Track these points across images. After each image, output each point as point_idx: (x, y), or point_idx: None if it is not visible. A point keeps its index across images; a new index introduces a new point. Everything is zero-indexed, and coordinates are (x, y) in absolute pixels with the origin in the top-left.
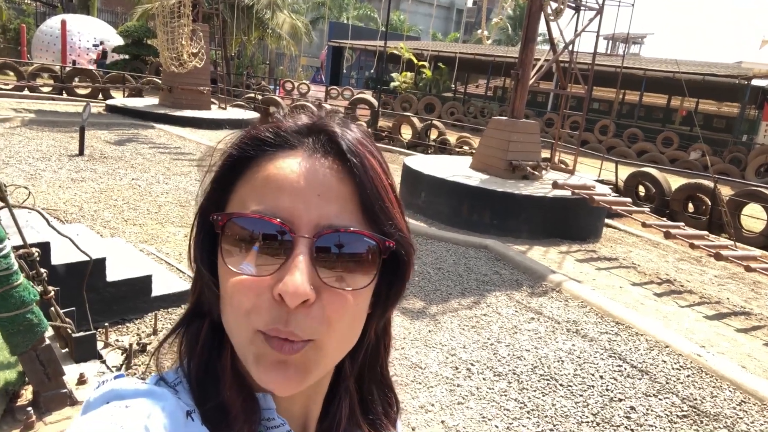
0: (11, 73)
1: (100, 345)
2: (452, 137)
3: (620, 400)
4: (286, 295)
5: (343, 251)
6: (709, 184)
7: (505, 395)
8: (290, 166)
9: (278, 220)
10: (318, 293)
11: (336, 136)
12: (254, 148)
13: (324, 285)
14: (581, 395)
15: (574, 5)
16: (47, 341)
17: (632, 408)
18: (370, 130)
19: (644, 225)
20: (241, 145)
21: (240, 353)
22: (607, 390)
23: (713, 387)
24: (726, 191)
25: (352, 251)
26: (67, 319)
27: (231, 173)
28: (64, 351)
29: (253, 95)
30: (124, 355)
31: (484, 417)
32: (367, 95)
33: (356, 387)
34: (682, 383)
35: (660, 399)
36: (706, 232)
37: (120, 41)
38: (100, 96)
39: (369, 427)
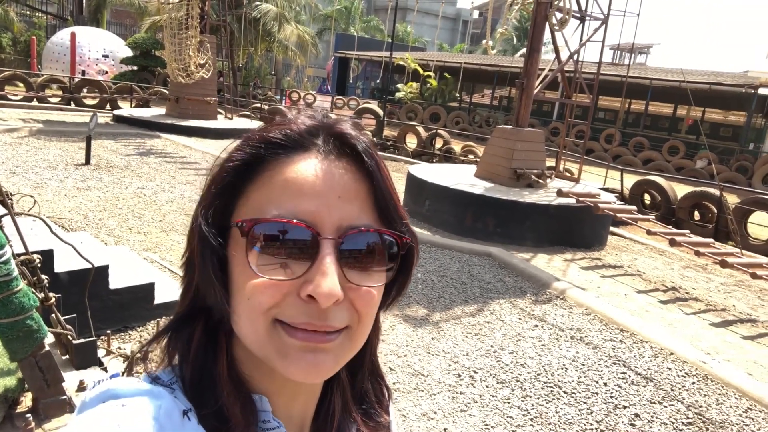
0: (21, 84)
1: (102, 352)
2: (457, 146)
3: (624, 407)
4: (320, 297)
5: (366, 250)
6: (715, 192)
7: (509, 403)
8: (308, 168)
9: (304, 223)
10: (345, 291)
11: (349, 137)
12: (266, 151)
13: (350, 284)
14: (585, 402)
15: (579, 15)
16: (47, 348)
17: (637, 415)
18: (375, 139)
19: (649, 233)
20: (253, 148)
21: (258, 350)
22: (611, 397)
23: (719, 394)
24: (732, 199)
25: (373, 250)
26: (68, 326)
27: (242, 176)
28: (64, 358)
29: (259, 105)
30: (126, 362)
31: (487, 424)
32: (373, 105)
33: (349, 378)
34: (687, 390)
35: (665, 406)
36: (711, 240)
37: (129, 52)
38: (108, 106)
39: (363, 416)
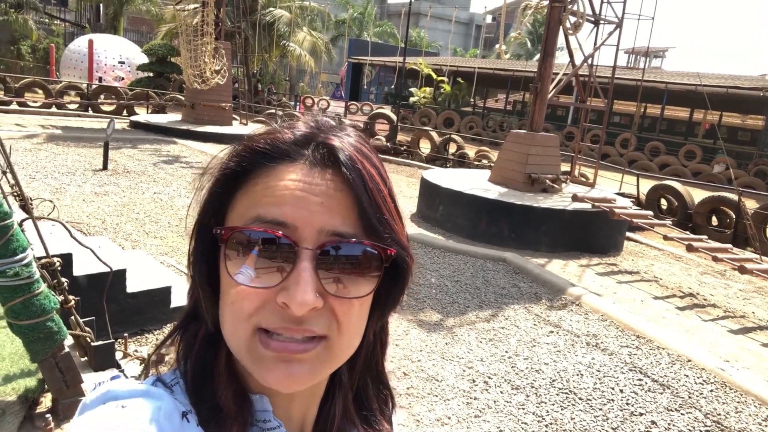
0: (40, 91)
1: (119, 355)
2: (471, 151)
3: (641, 414)
4: (292, 305)
5: (346, 261)
6: (734, 197)
7: (523, 409)
8: (290, 178)
9: (281, 232)
10: (324, 299)
11: (335, 148)
12: (252, 162)
13: (328, 294)
14: (601, 409)
15: (593, 19)
16: (66, 349)
17: (653, 423)
18: (388, 144)
19: (666, 238)
20: (240, 159)
21: (238, 356)
22: (627, 404)
23: (738, 402)
24: (751, 204)
25: (354, 260)
26: (87, 328)
27: (230, 186)
28: (83, 360)
29: (273, 111)
30: (143, 365)
31: (501, 430)
32: (386, 110)
33: (351, 383)
34: (705, 398)
35: (682, 414)
36: (729, 245)
37: (145, 59)
38: (125, 112)
39: (363, 422)
